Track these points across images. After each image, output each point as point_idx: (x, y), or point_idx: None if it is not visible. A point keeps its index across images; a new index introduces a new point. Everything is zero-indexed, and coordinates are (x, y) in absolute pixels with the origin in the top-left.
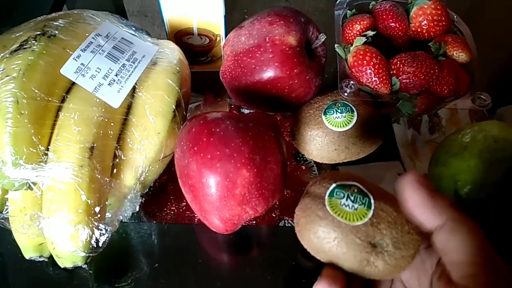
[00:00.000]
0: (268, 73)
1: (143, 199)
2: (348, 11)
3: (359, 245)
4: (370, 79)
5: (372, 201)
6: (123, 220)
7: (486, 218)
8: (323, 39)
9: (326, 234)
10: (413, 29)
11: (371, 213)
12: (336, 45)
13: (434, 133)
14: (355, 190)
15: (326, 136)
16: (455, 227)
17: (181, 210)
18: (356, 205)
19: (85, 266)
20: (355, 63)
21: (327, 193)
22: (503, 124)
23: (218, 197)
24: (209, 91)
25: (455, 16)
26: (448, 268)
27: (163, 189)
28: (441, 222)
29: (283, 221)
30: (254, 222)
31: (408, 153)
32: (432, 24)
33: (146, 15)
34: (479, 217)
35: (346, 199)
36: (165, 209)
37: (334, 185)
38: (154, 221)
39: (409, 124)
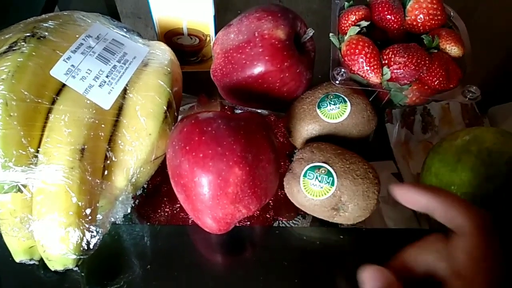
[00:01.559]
0: (259, 68)
1: (137, 200)
2: (346, 2)
3: (324, 210)
4: (361, 68)
5: (335, 179)
6: (117, 222)
7: None
8: (311, 33)
9: (302, 201)
10: (409, 22)
11: (333, 189)
12: (331, 34)
13: (427, 132)
14: (323, 171)
15: (323, 129)
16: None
17: (175, 211)
18: (322, 184)
19: (76, 268)
20: (348, 51)
21: (301, 174)
22: (498, 132)
23: (211, 196)
24: (202, 92)
25: (451, 12)
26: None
27: (157, 191)
28: None
29: (277, 221)
30: (249, 222)
31: (401, 152)
32: (427, 18)
33: (140, 16)
34: None
35: (315, 180)
36: (159, 210)
37: (307, 167)
38: (148, 223)
39: (402, 123)
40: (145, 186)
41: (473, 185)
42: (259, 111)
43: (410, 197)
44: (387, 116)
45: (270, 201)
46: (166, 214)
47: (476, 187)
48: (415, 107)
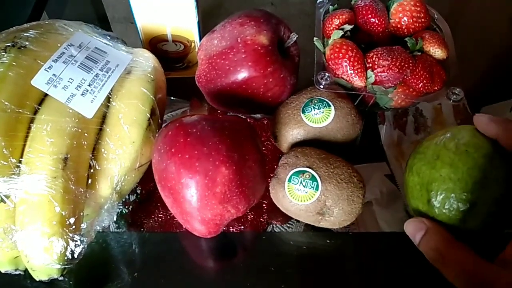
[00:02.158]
0: (243, 73)
1: (130, 207)
2: (330, 6)
3: (309, 215)
4: (345, 72)
5: (320, 184)
6: (110, 229)
7: (460, 227)
8: (295, 38)
9: (287, 206)
10: (393, 25)
11: (318, 194)
12: (315, 38)
13: (419, 133)
14: (307, 176)
15: (308, 133)
16: None
17: (168, 217)
18: (306, 189)
19: (61, 278)
20: (332, 55)
21: (286, 179)
22: (475, 129)
23: (199, 197)
24: (194, 96)
25: (435, 14)
26: None
27: (151, 197)
28: None
29: (271, 225)
30: (242, 227)
31: (394, 154)
32: (411, 21)
33: (132, 21)
34: (452, 226)
35: (299, 185)
36: (153, 216)
37: (291, 172)
38: (142, 229)
39: (395, 125)
40: (138, 192)
41: (453, 180)
42: (251, 115)
43: (486, 124)
44: (380, 118)
45: (264, 205)
46: (159, 220)
47: (456, 181)
48: (407, 108)
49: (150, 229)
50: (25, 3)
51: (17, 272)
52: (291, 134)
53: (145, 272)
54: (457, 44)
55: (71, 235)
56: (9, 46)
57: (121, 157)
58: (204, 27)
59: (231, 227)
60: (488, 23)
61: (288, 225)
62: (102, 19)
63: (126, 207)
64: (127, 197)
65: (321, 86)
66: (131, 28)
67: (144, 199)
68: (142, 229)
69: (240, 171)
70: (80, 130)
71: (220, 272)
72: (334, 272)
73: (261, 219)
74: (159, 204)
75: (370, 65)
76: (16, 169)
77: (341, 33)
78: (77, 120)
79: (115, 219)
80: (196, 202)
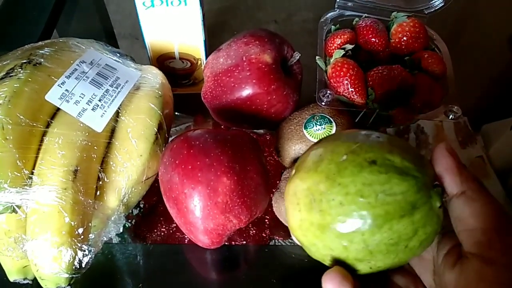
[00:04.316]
0: (247, 90)
1: (133, 220)
2: (332, 26)
3: None
4: (346, 90)
5: None
6: (113, 241)
7: None
8: (298, 57)
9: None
10: (393, 44)
11: None
12: (317, 57)
13: (421, 150)
14: None
15: None
16: (474, 196)
17: (171, 231)
18: None
19: (68, 287)
20: (334, 74)
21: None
22: None
23: (201, 207)
24: (198, 112)
25: (434, 35)
26: (461, 237)
27: (153, 211)
28: (461, 189)
29: (273, 240)
30: (244, 242)
31: None
32: (410, 41)
33: (137, 37)
34: None
35: None
36: (155, 230)
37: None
38: (144, 243)
39: None
40: (142, 206)
41: None
42: (254, 130)
43: None
44: None
45: (266, 220)
46: (162, 234)
47: None
48: (409, 125)
49: (153, 243)
50: (37, 21)
51: (25, 282)
52: (294, 149)
53: (149, 284)
54: (457, 63)
55: (79, 245)
56: (25, 63)
57: (128, 170)
58: (210, 44)
59: (233, 242)
60: (486, 42)
61: (290, 241)
62: (109, 35)
63: (129, 220)
64: (130, 211)
65: (323, 103)
66: (136, 44)
67: (147, 213)
68: (144, 243)
69: (241, 182)
70: (90, 144)
71: (223, 284)
72: None
73: (263, 234)
74: (161, 218)
75: (371, 83)
76: (28, 180)
77: (342, 52)
78: (87, 134)
79: (121, 230)
80: (199, 211)
